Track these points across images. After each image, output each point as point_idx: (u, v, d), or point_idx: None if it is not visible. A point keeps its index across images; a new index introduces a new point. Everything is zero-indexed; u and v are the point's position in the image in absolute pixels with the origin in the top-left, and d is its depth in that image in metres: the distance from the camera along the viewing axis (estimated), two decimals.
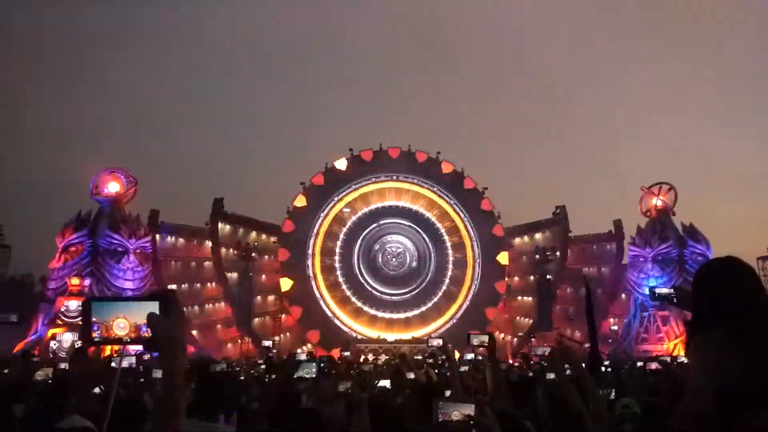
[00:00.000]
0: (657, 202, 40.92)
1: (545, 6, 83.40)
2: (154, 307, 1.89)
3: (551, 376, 5.10)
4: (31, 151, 62.34)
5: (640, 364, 15.42)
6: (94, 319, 1.95)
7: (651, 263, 38.84)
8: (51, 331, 32.75)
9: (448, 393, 5.45)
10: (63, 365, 7.92)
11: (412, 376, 8.44)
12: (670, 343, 35.74)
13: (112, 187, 37.14)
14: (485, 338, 4.65)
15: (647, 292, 37.38)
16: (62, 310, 32.92)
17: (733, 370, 2.23)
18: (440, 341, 11.07)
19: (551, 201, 46.89)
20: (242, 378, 12.04)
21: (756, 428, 2.17)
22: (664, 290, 3.84)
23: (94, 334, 1.96)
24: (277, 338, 34.11)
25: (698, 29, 79.20)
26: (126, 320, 1.94)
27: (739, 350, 2.26)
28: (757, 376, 2.22)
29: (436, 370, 9.64)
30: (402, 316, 44.92)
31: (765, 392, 2.20)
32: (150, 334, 1.89)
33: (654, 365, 8.48)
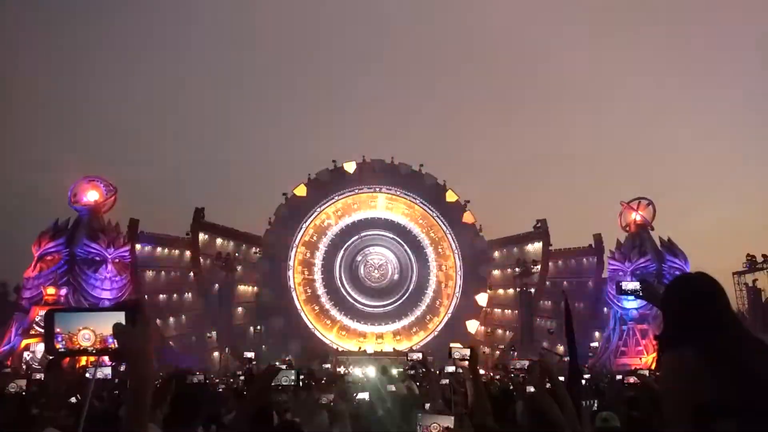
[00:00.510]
0: (636, 216, 41.49)
1: (530, 21, 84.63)
2: (120, 317, 1.86)
3: (531, 389, 5.11)
4: (8, 157, 61.31)
5: (619, 377, 15.55)
6: (58, 330, 1.91)
7: (630, 277, 39.24)
8: (25, 342, 32.05)
9: (428, 405, 5.43)
10: (39, 376, 7.74)
11: (393, 388, 8.41)
12: (649, 357, 36.06)
13: (91, 195, 36.65)
14: (467, 351, 4.63)
15: (625, 305, 37.86)
16: (37, 320, 32.24)
17: (703, 390, 2.27)
18: (420, 355, 11.07)
19: (532, 215, 47.34)
20: (220, 390, 11.89)
21: None
22: (631, 285, 3.87)
23: (58, 345, 1.91)
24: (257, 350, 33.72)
25: (681, 45, 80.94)
26: (91, 331, 1.91)
27: (707, 370, 2.30)
28: (725, 394, 2.26)
29: (418, 383, 9.62)
30: (383, 328, 44.80)
31: (733, 406, 2.24)
32: (116, 345, 1.86)
33: (632, 379, 8.51)
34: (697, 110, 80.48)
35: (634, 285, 3.77)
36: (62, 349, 1.91)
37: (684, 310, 2.60)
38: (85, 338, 1.89)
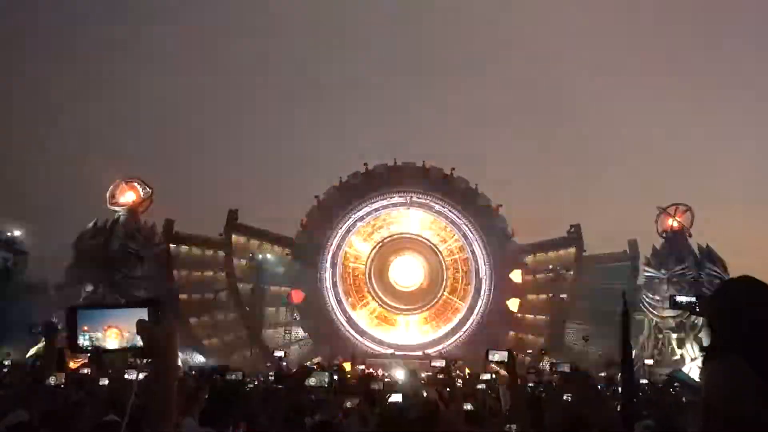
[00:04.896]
0: (673, 222, 40.52)
1: (560, 23, 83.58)
2: (143, 313, 1.87)
3: (568, 397, 5.03)
4: (49, 157, 63.21)
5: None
6: (85, 328, 1.93)
7: (666, 285, 38.30)
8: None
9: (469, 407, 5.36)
10: (85, 370, 7.95)
11: (424, 393, 8.36)
12: (686, 367, 35.09)
13: (129, 196, 37.55)
14: (505, 355, 4.56)
15: (661, 313, 36.88)
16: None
17: (746, 394, 2.18)
18: (443, 362, 10.93)
19: (565, 219, 46.55)
20: (249, 388, 11.98)
21: None
22: (686, 299, 3.63)
23: (83, 342, 1.93)
24: (287, 350, 34.04)
25: (716, 50, 78.81)
26: (118, 329, 1.92)
27: (753, 375, 2.21)
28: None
29: (448, 389, 9.55)
30: (413, 332, 44.71)
31: None
32: (141, 342, 1.87)
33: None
34: (742, 114, 78.07)
35: (690, 299, 3.54)
36: (89, 347, 1.93)
37: (730, 317, 2.49)
38: (112, 336, 1.91)
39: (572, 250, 44.12)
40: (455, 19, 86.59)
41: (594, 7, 78.42)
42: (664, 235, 41.06)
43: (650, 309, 38.56)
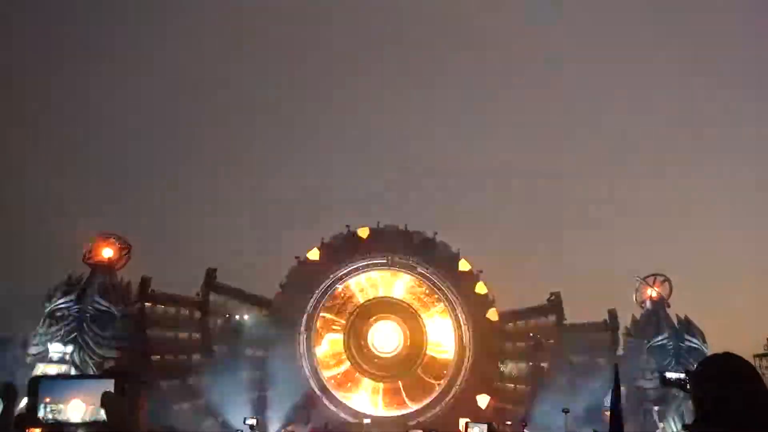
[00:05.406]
0: (652, 293, 40.86)
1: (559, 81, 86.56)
2: (109, 384, 1.81)
3: None
4: (22, 211, 62.38)
5: None
6: (47, 399, 1.86)
7: (646, 355, 38.26)
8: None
9: None
10: None
11: None
12: None
13: (105, 252, 37.05)
14: (484, 428, 4.44)
15: (645, 384, 36.54)
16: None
17: None
18: None
19: (545, 287, 46.68)
20: None
21: None
22: (675, 375, 3.62)
23: (44, 414, 1.86)
24: (259, 417, 32.91)
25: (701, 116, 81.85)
26: (82, 401, 1.86)
27: None
28: None
29: None
30: (390, 401, 43.67)
31: None
32: (105, 416, 1.80)
33: None
34: (722, 189, 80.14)
35: (679, 375, 3.54)
36: (50, 420, 1.86)
37: (713, 392, 2.50)
38: (74, 408, 1.83)
39: (552, 318, 44.02)
40: (445, 72, 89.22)
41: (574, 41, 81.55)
42: (643, 305, 41.32)
43: (631, 380, 38.25)
